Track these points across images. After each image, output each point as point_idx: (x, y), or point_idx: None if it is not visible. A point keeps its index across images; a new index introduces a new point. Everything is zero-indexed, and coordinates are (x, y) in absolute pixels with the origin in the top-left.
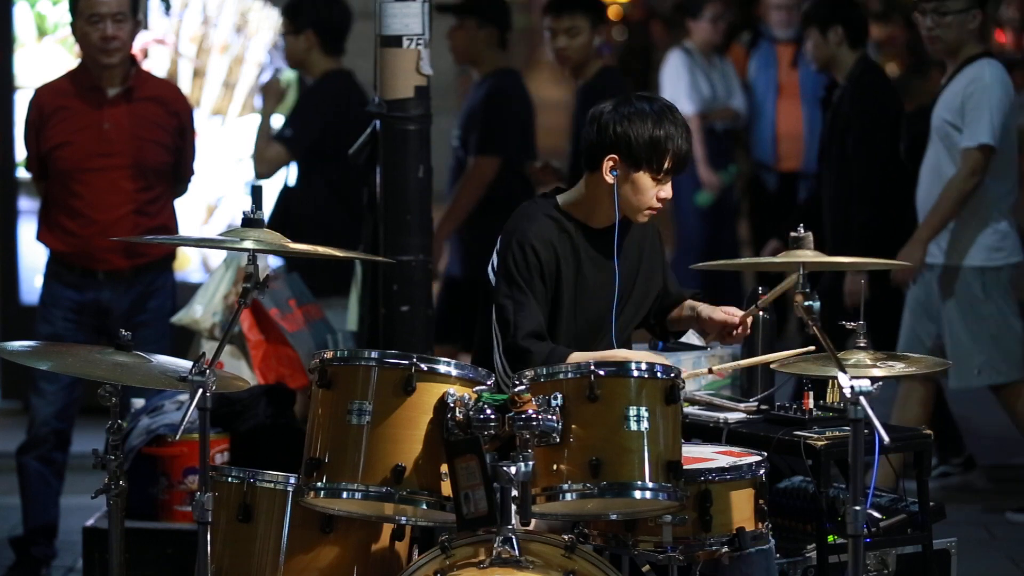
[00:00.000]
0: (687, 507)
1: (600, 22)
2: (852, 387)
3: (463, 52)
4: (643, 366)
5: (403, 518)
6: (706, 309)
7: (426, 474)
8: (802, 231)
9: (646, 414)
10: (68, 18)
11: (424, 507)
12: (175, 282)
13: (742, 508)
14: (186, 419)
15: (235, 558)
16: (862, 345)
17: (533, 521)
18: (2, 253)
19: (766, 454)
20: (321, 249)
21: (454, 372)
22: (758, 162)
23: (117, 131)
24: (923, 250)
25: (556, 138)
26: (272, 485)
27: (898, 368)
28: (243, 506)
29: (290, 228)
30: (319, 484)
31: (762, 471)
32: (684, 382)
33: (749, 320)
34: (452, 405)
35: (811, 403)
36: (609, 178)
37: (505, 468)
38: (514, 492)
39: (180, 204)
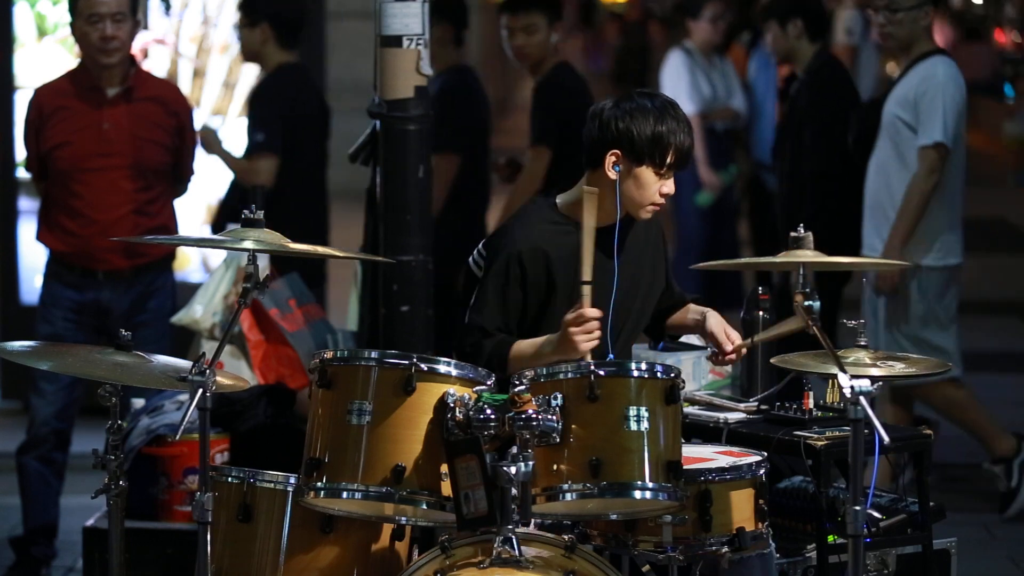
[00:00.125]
0: (687, 507)
1: (557, 19)
2: (852, 387)
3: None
4: (643, 366)
5: (403, 518)
6: (711, 323)
7: (426, 474)
8: (802, 231)
9: (646, 414)
10: (68, 18)
11: (424, 507)
12: (175, 282)
13: (742, 508)
14: (186, 419)
15: (235, 558)
16: (862, 344)
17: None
18: (2, 253)
19: (766, 454)
20: (321, 249)
21: (454, 372)
22: (758, 162)
23: (117, 131)
24: (897, 258)
25: None
26: (272, 485)
27: (898, 368)
28: (243, 506)
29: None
30: (319, 484)
31: (762, 471)
32: (684, 382)
33: (743, 351)
34: (452, 405)
35: (811, 403)
36: (612, 174)
37: (505, 468)
38: (514, 492)
39: (180, 204)
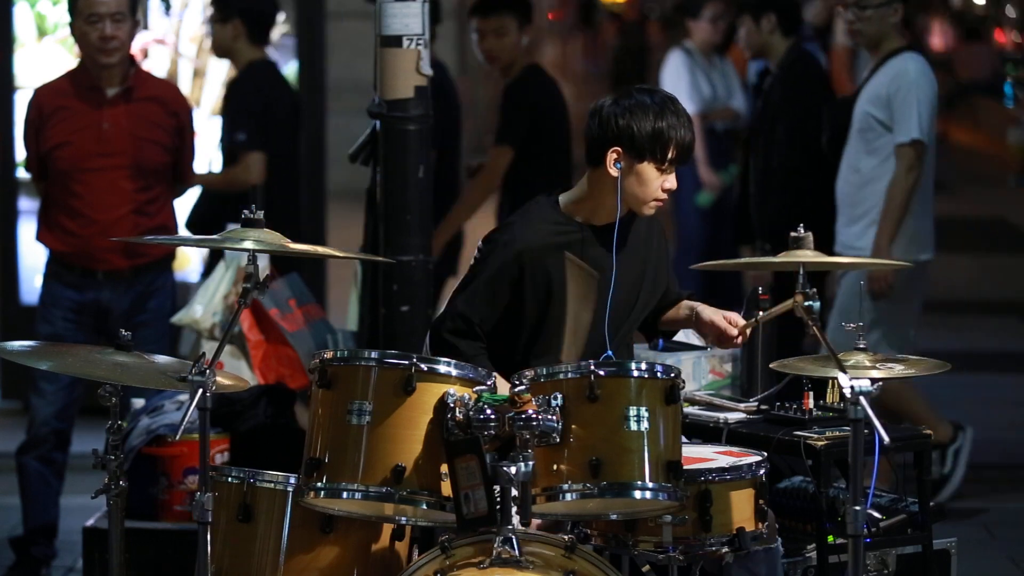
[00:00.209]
0: (687, 507)
1: (527, 22)
2: (852, 387)
3: None
4: (643, 366)
5: (403, 518)
6: (707, 312)
7: (426, 474)
8: (802, 231)
9: (646, 414)
10: (68, 18)
11: (424, 507)
12: (175, 282)
13: (742, 508)
14: (186, 419)
15: (235, 558)
16: (861, 347)
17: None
18: (2, 253)
19: (766, 454)
20: (321, 249)
21: (454, 372)
22: None
23: (116, 131)
24: (886, 258)
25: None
26: (272, 485)
27: (897, 370)
28: (243, 506)
29: (216, 222)
30: (319, 484)
31: (762, 471)
32: (684, 382)
33: (748, 330)
34: (452, 405)
35: (811, 403)
36: (613, 171)
37: (505, 468)
38: (514, 492)
39: (180, 204)
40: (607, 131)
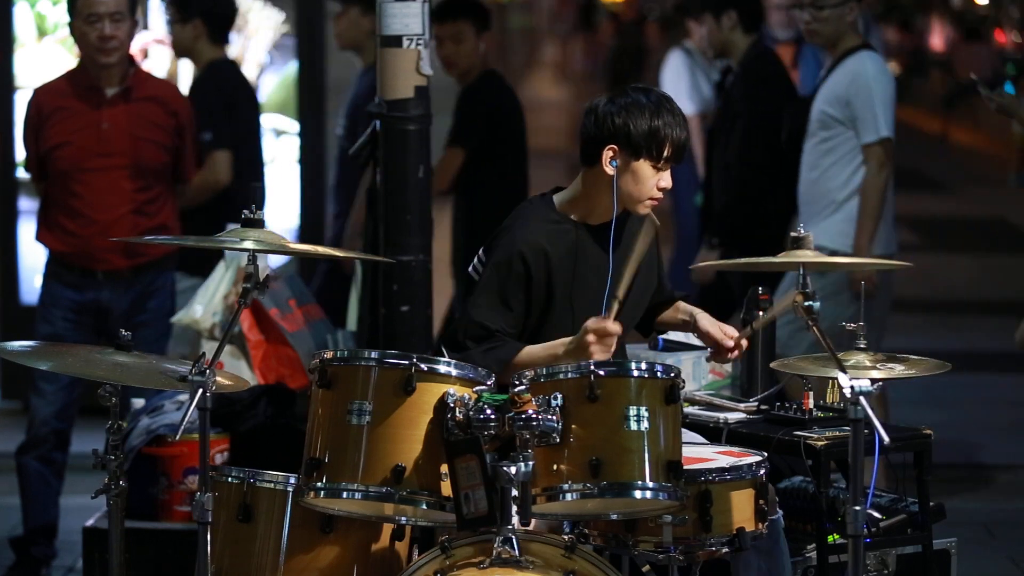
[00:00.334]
0: (687, 507)
1: (484, 28)
2: (852, 387)
3: (346, 39)
4: (643, 366)
5: (403, 518)
6: (704, 322)
7: (426, 474)
8: (802, 231)
9: (646, 414)
10: (67, 18)
11: (424, 507)
12: (175, 282)
13: (742, 508)
14: (186, 419)
15: (235, 558)
16: (862, 347)
17: (533, 521)
18: (2, 253)
19: (766, 454)
20: (321, 249)
21: (454, 372)
22: None
23: (115, 131)
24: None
25: (553, 137)
26: (272, 485)
27: (898, 370)
28: (243, 506)
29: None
30: (319, 484)
31: (762, 471)
32: (684, 382)
33: (744, 342)
34: (452, 405)
35: (811, 403)
36: (609, 169)
37: (505, 468)
38: (514, 492)
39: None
40: (603, 129)
